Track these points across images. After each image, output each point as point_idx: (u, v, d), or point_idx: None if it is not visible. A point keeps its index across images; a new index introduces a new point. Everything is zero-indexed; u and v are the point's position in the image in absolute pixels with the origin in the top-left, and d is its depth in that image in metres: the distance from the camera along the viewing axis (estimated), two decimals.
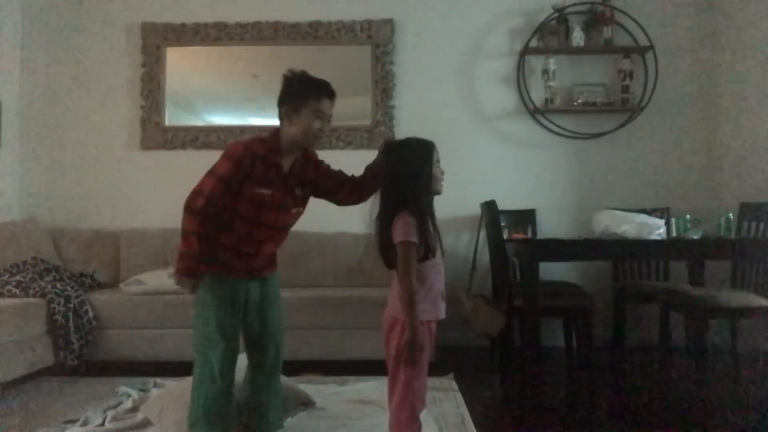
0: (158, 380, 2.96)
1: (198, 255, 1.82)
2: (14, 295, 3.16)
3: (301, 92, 1.89)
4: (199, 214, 1.81)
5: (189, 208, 1.82)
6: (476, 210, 3.80)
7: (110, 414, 2.47)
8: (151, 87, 4.14)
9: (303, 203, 2.04)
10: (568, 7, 4.05)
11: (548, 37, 4.09)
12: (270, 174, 1.89)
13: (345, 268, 3.83)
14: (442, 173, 1.81)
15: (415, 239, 1.67)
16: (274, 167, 1.90)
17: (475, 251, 3.91)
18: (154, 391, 2.79)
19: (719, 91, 4.07)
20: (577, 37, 4.03)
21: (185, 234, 1.82)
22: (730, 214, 3.11)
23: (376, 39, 4.12)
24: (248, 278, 1.95)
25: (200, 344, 1.90)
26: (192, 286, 1.85)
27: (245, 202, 1.86)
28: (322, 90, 1.91)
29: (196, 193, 1.84)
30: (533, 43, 4.09)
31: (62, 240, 3.87)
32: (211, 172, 1.86)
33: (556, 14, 4.05)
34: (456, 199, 3.74)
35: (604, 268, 3.91)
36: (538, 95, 4.10)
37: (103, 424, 2.39)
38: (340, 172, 2.08)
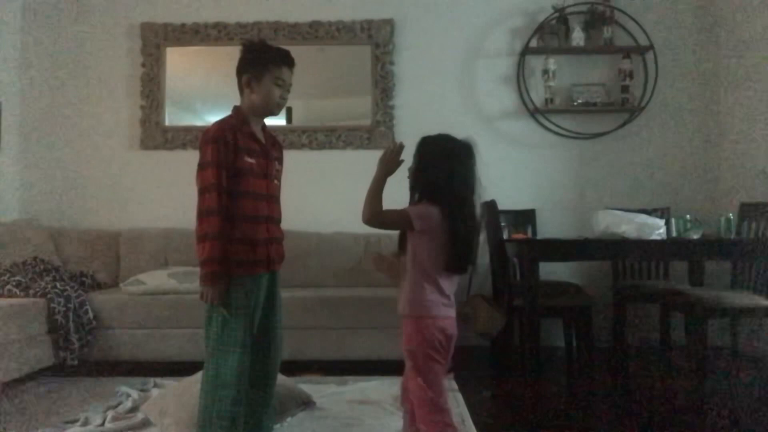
0: (158, 380, 2.95)
1: (223, 257, 1.77)
2: (14, 295, 3.15)
3: (262, 60, 1.90)
4: (216, 210, 1.76)
5: (202, 211, 1.78)
6: (477, 207, 3.80)
7: (110, 414, 2.47)
8: (151, 87, 4.14)
9: (279, 177, 2.04)
10: (568, 7, 4.05)
11: (548, 37, 4.09)
12: (250, 143, 1.89)
13: (345, 268, 3.83)
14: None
15: (416, 223, 1.67)
16: (250, 135, 1.90)
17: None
18: (154, 391, 2.79)
19: (719, 91, 4.07)
20: (577, 37, 4.03)
21: (204, 238, 1.76)
22: (730, 214, 3.11)
23: (376, 39, 4.12)
24: (265, 272, 1.92)
25: (215, 349, 1.84)
26: (222, 294, 1.79)
27: (241, 175, 1.83)
28: (283, 58, 1.92)
29: (201, 193, 1.80)
30: (533, 43, 4.09)
31: (62, 240, 3.87)
32: (203, 166, 1.81)
33: (556, 14, 4.05)
34: None
35: (604, 268, 3.91)
36: (538, 95, 4.10)
37: (103, 424, 2.38)
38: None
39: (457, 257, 1.70)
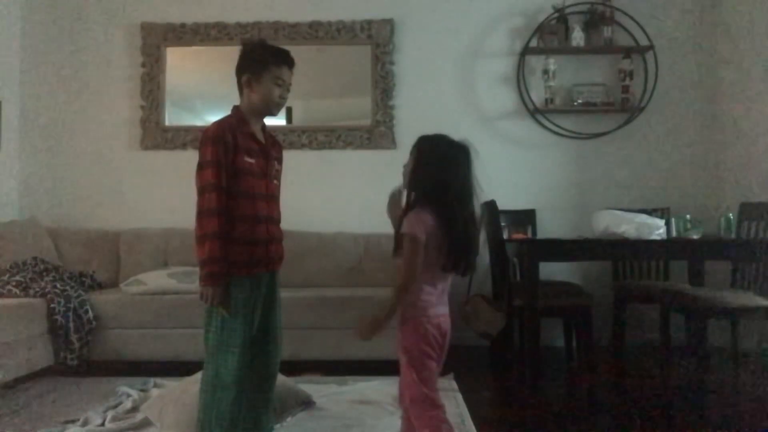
0: (158, 380, 2.95)
1: (223, 258, 1.77)
2: (14, 295, 3.16)
3: (261, 60, 1.90)
4: (216, 210, 1.76)
5: (202, 211, 1.78)
6: (476, 210, 3.80)
7: (110, 414, 2.47)
8: (151, 87, 4.14)
9: (279, 177, 2.04)
10: (568, 7, 4.05)
11: (548, 37, 4.09)
12: (249, 143, 1.89)
13: (345, 268, 3.83)
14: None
15: (420, 235, 1.65)
16: (249, 135, 1.90)
17: None
18: (154, 391, 2.79)
19: (719, 91, 4.07)
20: (577, 37, 4.03)
21: (204, 238, 1.76)
22: (730, 214, 3.11)
23: (376, 39, 4.12)
24: (264, 272, 1.93)
25: (215, 349, 1.84)
26: (221, 295, 1.79)
27: (240, 175, 1.83)
28: (282, 57, 1.92)
29: (201, 193, 1.80)
30: (533, 43, 4.09)
31: (62, 240, 3.87)
32: (202, 166, 1.81)
33: (556, 14, 4.05)
34: None
35: (604, 268, 3.91)
36: (538, 95, 4.10)
37: (103, 424, 2.38)
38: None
39: (455, 258, 1.69)
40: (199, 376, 1.95)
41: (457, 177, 1.71)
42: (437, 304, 1.72)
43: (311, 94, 4.19)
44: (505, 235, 3.62)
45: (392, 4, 4.15)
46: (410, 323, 1.69)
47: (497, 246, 3.33)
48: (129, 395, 2.71)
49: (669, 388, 3.08)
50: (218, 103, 4.18)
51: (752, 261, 3.05)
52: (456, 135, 1.79)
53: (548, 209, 4.06)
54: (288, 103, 2.03)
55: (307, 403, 2.58)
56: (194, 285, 3.11)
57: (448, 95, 4.13)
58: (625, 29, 4.09)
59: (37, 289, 3.20)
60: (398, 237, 1.72)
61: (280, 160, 2.05)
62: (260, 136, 1.96)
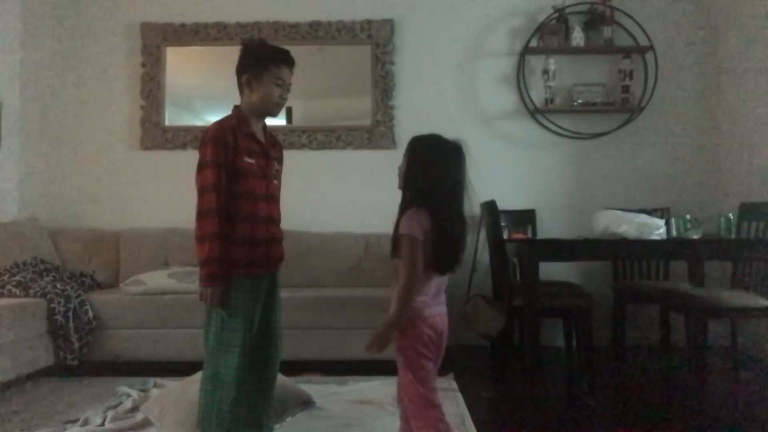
0: (158, 380, 2.95)
1: (222, 258, 1.77)
2: (14, 295, 3.15)
3: (261, 60, 1.90)
4: (216, 210, 1.77)
5: (202, 211, 1.78)
6: (476, 210, 3.80)
7: (110, 414, 2.47)
8: (151, 87, 4.14)
9: (279, 177, 2.04)
10: (568, 7, 4.05)
11: (548, 37, 4.09)
12: (249, 143, 1.89)
13: (345, 268, 3.83)
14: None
15: (418, 235, 1.65)
16: (250, 135, 1.90)
17: (475, 251, 3.90)
18: (154, 391, 2.79)
19: (719, 91, 4.06)
20: (577, 37, 4.03)
21: (204, 238, 1.76)
22: (730, 214, 3.10)
23: (376, 39, 4.12)
24: (264, 273, 1.93)
25: (215, 349, 1.84)
26: (221, 295, 1.79)
27: (240, 175, 1.84)
28: (283, 58, 1.93)
29: (201, 193, 1.80)
30: (533, 43, 4.09)
31: (62, 240, 3.87)
32: (202, 166, 1.81)
33: (556, 14, 4.05)
34: None
35: (604, 268, 3.91)
36: (538, 95, 4.10)
37: (103, 424, 2.38)
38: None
39: (444, 257, 1.69)
40: (199, 376, 1.95)
41: (449, 175, 1.71)
42: (432, 304, 1.73)
43: (311, 94, 4.19)
44: (505, 235, 3.62)
45: (392, 4, 4.15)
46: (406, 324, 1.70)
47: (497, 246, 3.33)
48: (129, 395, 2.71)
49: (669, 388, 3.08)
50: (218, 103, 4.19)
51: (752, 261, 3.05)
52: (456, 135, 1.79)
53: (548, 209, 4.06)
54: (288, 103, 2.03)
55: (307, 403, 2.58)
56: (194, 285, 3.11)
57: (448, 95, 4.13)
58: (625, 29, 4.09)
59: (37, 289, 3.20)
60: (395, 238, 1.72)
61: (280, 161, 2.05)
62: (261, 136, 1.96)
